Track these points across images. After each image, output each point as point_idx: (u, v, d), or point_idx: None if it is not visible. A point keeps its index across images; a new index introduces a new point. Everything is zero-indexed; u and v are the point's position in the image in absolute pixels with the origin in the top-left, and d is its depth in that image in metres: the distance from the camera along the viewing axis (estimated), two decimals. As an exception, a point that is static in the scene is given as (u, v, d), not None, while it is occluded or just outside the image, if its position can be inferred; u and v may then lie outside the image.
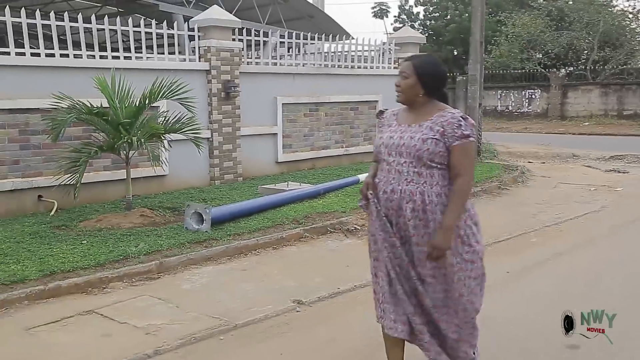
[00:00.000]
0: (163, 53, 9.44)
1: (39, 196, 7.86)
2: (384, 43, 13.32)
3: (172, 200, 8.39)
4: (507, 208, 8.84)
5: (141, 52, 9.02)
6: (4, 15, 7.55)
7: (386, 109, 3.46)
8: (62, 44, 8.34)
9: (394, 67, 12.80)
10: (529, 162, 13.90)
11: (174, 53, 9.47)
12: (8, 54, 7.65)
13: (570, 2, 30.15)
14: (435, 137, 3.07)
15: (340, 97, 12.01)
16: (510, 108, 28.95)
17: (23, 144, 7.73)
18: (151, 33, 9.17)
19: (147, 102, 7.30)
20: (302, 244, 6.84)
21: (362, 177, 7.98)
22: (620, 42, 28.52)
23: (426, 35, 23.30)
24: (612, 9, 29.20)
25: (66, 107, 6.95)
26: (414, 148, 3.09)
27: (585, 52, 29.72)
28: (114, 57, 8.66)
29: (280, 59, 11.35)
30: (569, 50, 29.57)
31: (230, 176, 10.06)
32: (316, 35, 11.53)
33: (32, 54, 7.87)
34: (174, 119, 7.58)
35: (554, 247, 6.65)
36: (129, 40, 9.21)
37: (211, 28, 9.68)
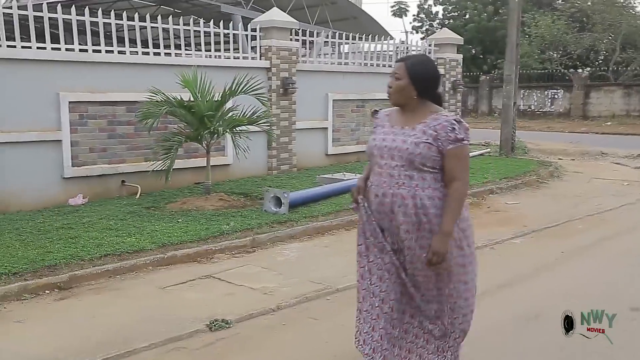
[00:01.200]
0: (228, 50, 10.18)
1: (123, 181, 8.63)
2: (412, 43, 14.00)
3: (240, 187, 9.14)
4: (549, 199, 9.50)
5: (210, 51, 9.78)
6: (97, 17, 8.33)
7: (380, 109, 3.40)
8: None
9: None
10: (559, 158, 14.54)
11: (237, 50, 10.21)
12: (99, 51, 8.41)
13: (589, 3, 30.60)
14: (428, 140, 3.02)
15: (383, 94, 12.56)
16: (532, 107, 29.49)
17: (110, 134, 8.50)
18: (218, 33, 9.92)
19: (228, 96, 8.04)
20: (370, 226, 7.54)
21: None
22: (641, 44, 29.01)
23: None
24: (633, 10, 29.69)
25: (158, 100, 7.71)
26: (406, 151, 3.04)
27: (606, 53, 30.20)
28: (186, 55, 9.42)
29: (332, 57, 12.06)
30: (591, 51, 30.06)
31: (286, 167, 10.79)
32: (363, 36, 12.24)
33: (119, 52, 8.65)
34: (251, 112, 8.30)
35: (600, 232, 7.31)
36: (183, 39, 9.91)
37: (272, 29, 10.41)
